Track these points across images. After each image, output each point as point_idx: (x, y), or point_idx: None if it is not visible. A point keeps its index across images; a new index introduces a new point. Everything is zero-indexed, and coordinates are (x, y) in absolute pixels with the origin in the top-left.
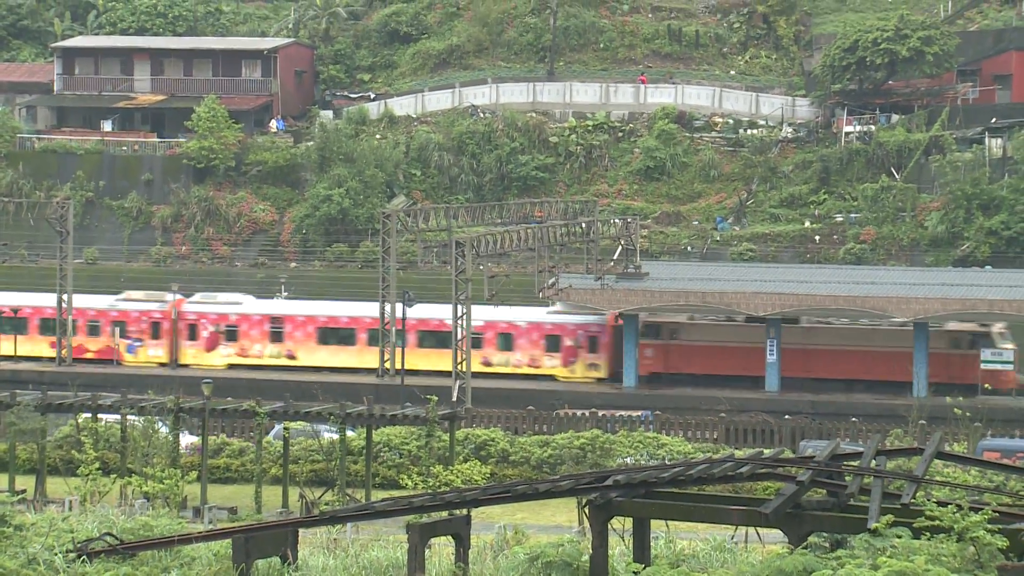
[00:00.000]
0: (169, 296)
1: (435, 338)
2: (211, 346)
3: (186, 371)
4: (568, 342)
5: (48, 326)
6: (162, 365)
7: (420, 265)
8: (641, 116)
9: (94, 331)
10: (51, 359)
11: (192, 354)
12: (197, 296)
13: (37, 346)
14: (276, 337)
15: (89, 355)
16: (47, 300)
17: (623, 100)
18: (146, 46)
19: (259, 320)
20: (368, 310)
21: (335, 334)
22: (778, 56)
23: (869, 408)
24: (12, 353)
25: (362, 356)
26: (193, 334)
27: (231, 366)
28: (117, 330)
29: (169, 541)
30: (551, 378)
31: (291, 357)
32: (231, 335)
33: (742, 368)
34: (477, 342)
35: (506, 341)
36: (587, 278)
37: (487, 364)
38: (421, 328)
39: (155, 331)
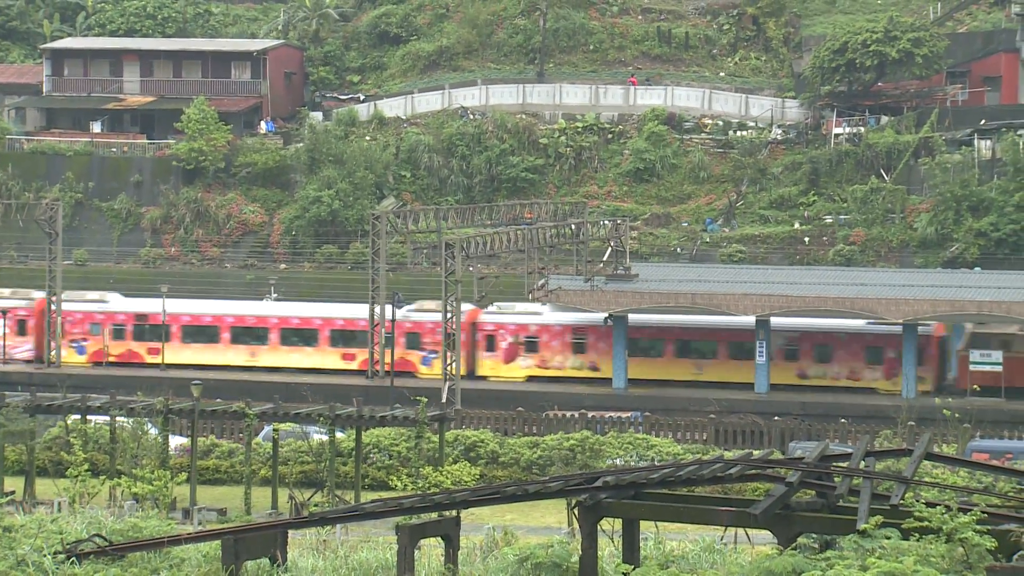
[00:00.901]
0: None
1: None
2: (510, 358)
3: (483, 384)
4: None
5: (338, 338)
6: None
7: (410, 266)
8: (631, 118)
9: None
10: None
11: (490, 366)
12: (494, 306)
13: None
14: (579, 348)
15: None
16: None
17: (613, 102)
18: (135, 47)
19: (560, 331)
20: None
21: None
22: (768, 58)
23: (858, 409)
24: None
25: (669, 368)
26: (491, 345)
27: (530, 378)
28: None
29: (158, 542)
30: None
31: (594, 369)
32: (531, 346)
33: None
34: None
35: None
36: (577, 279)
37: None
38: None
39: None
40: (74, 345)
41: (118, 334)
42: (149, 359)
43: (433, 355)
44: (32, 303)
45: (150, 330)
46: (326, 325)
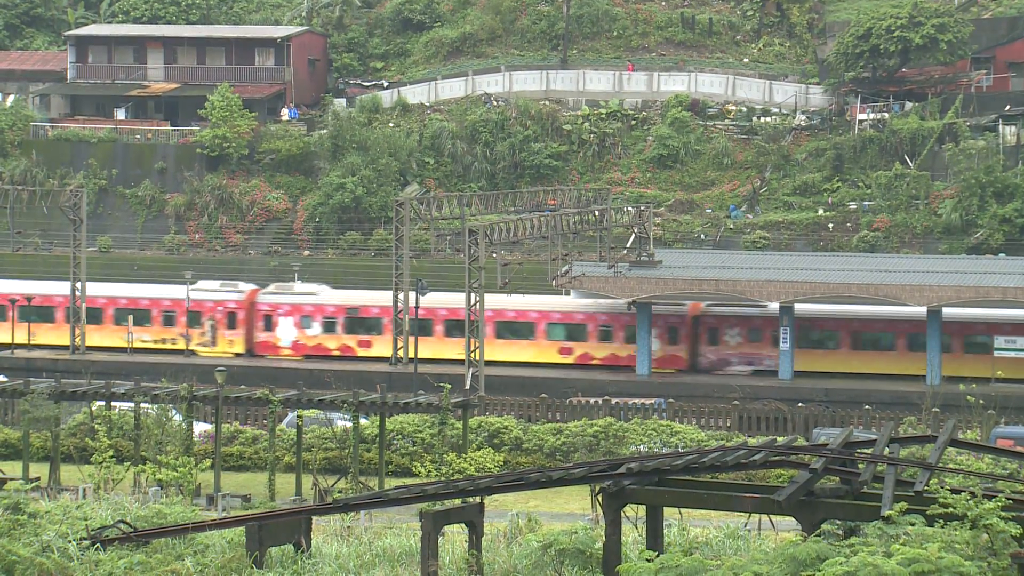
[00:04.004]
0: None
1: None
2: (285, 336)
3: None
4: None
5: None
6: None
7: (433, 253)
8: (654, 104)
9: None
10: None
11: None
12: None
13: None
14: (351, 328)
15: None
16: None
17: (636, 88)
18: (159, 34)
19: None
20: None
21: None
22: (791, 44)
23: (882, 396)
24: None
25: (901, 362)
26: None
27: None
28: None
29: (183, 529)
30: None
31: (366, 346)
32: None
33: None
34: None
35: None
36: (600, 266)
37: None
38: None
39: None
40: (283, 339)
41: (328, 327)
42: (360, 352)
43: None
44: (243, 295)
45: (361, 323)
46: (543, 319)
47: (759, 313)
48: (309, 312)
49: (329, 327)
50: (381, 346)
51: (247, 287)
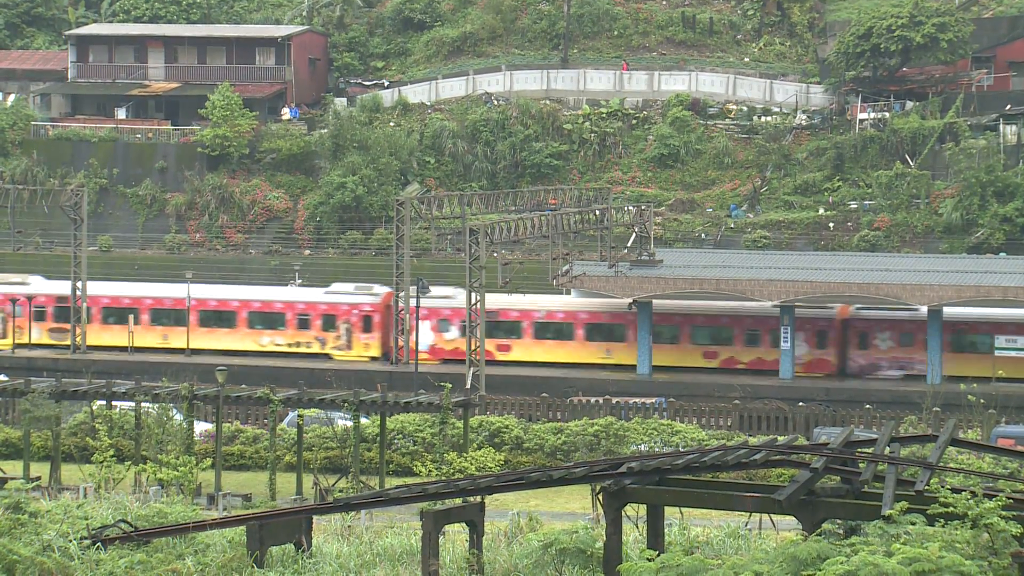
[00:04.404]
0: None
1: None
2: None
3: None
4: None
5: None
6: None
7: (434, 252)
8: (655, 103)
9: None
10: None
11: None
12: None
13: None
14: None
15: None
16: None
17: (637, 87)
18: (160, 33)
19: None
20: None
21: None
22: (792, 43)
23: (883, 395)
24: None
25: None
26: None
27: (122, 348)
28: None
29: (183, 528)
30: None
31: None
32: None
33: None
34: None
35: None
36: (601, 265)
37: None
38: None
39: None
40: (421, 343)
41: (466, 331)
42: (499, 356)
43: None
44: (378, 298)
45: (498, 326)
46: (686, 322)
47: (910, 316)
48: (447, 316)
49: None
50: (520, 350)
51: (382, 290)
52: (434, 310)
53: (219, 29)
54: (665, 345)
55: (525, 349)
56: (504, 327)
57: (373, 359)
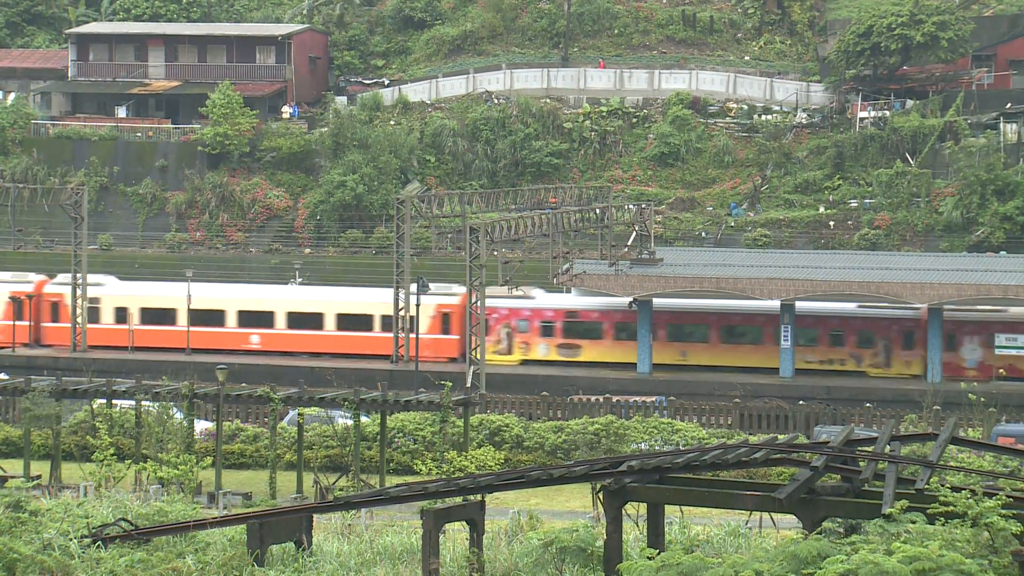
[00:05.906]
0: None
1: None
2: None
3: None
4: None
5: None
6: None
7: (434, 251)
8: (655, 102)
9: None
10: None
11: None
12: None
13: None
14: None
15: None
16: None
17: (637, 86)
18: (160, 32)
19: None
20: None
21: None
22: (792, 41)
23: (883, 394)
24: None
25: None
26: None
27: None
28: None
29: (184, 526)
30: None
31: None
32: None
33: None
34: None
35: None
36: (601, 264)
37: None
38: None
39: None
40: (500, 343)
41: (546, 331)
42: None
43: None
44: (459, 298)
45: (577, 327)
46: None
47: (999, 319)
48: (527, 317)
49: (547, 332)
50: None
51: (461, 289)
52: (514, 310)
53: (219, 28)
54: (745, 346)
55: (599, 350)
56: (583, 328)
57: (450, 360)
